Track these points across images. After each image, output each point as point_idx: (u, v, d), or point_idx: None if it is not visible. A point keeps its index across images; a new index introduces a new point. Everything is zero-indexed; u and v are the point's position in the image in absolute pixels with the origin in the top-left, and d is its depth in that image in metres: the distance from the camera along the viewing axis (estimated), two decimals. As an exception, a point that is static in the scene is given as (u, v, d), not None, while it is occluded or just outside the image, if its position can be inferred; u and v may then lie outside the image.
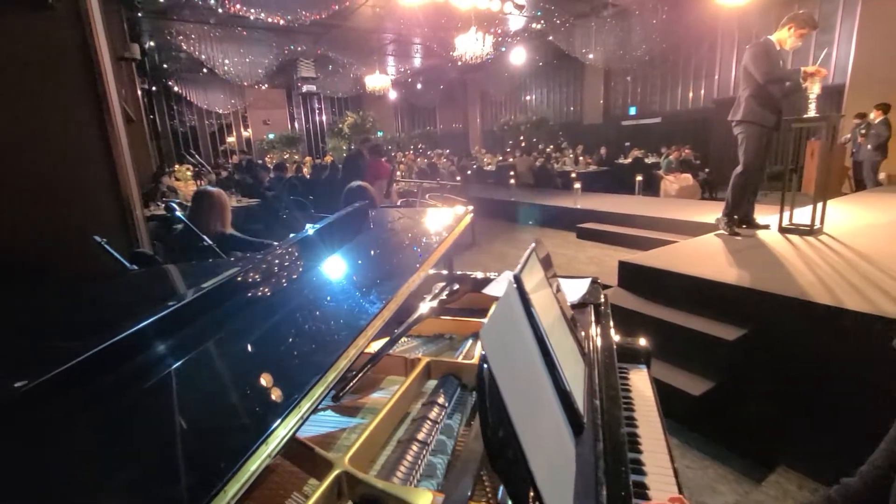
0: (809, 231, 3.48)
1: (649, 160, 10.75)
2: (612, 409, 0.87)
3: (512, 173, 10.27)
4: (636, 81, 13.53)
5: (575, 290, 1.37)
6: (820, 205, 3.51)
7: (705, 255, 3.12)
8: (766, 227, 3.73)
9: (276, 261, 1.08)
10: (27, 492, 0.48)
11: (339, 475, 0.69)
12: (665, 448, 1.00)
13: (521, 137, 14.38)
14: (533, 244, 0.97)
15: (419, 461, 0.77)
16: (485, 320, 1.28)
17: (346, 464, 0.70)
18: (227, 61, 12.02)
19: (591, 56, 11.78)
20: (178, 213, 2.01)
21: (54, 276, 2.26)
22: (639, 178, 8.20)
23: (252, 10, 8.82)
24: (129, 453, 0.54)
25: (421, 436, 0.83)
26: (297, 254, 1.15)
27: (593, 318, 1.24)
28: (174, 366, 0.66)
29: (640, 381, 1.25)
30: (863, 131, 7.19)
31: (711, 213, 4.88)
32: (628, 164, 10.86)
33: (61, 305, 1.19)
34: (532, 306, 0.73)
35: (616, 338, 1.35)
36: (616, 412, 0.88)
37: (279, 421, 0.57)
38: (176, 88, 15.11)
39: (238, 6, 8.64)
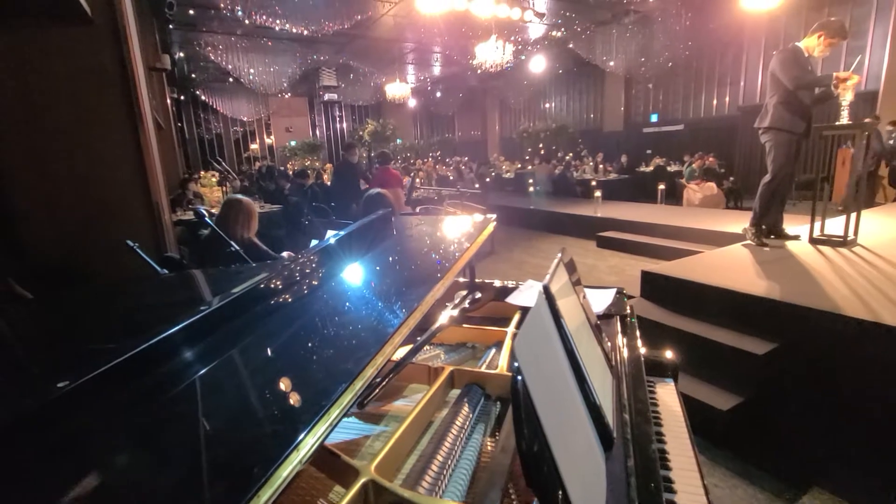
0: (843, 242, 3.36)
1: (671, 168, 10.58)
2: (641, 423, 0.86)
3: (531, 181, 10.23)
4: (658, 88, 13.35)
5: (600, 300, 1.35)
6: (854, 215, 3.39)
7: (732, 266, 3.04)
8: (797, 237, 3.62)
9: (303, 268, 1.10)
10: (62, 492, 0.49)
11: (366, 483, 0.69)
12: (695, 465, 0.97)
13: (541, 145, 14.33)
14: (559, 253, 0.96)
15: (444, 471, 0.77)
16: (509, 329, 1.28)
17: (373, 472, 0.70)
18: (252, 71, 12.34)
19: (611, 63, 11.68)
20: (208, 220, 2.06)
21: (90, 279, 2.33)
22: (661, 186, 8.06)
23: (277, 21, 9.05)
24: (165, 457, 0.55)
25: (446, 446, 0.82)
26: (322, 262, 1.17)
27: (619, 330, 1.22)
28: (207, 371, 0.68)
29: (667, 396, 1.22)
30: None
31: (737, 222, 4.77)
32: (650, 172, 10.70)
33: (97, 308, 1.23)
34: (562, 318, 0.73)
35: (642, 350, 1.33)
36: (646, 427, 0.85)
37: (309, 428, 0.57)
38: (203, 97, 15.57)
39: (264, 17, 8.88)
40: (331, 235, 1.37)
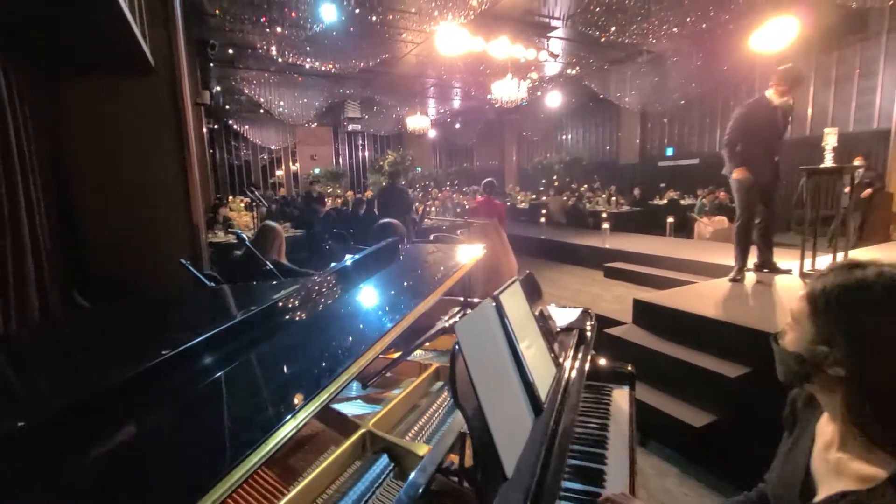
0: (830, 277, 3.51)
1: (685, 202, 10.74)
2: (572, 403, 1.11)
3: (543, 212, 10.53)
4: (673, 123, 13.62)
5: (566, 316, 1.62)
6: (841, 253, 3.57)
7: (720, 297, 3.25)
8: (788, 271, 3.79)
9: (324, 283, 1.40)
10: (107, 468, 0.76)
11: (364, 433, 0.97)
12: (627, 450, 1.22)
13: (555, 177, 14.67)
14: (521, 275, 1.24)
15: (424, 430, 1.04)
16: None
17: (370, 426, 0.98)
18: (282, 103, 13.14)
19: (626, 99, 12.07)
20: (247, 242, 2.41)
21: (140, 291, 2.69)
22: (670, 219, 8.26)
23: (308, 60, 9.77)
24: (228, 399, 0.84)
25: (427, 415, 1.09)
26: (338, 279, 1.47)
27: (576, 339, 1.48)
28: (255, 351, 0.97)
29: (620, 398, 1.47)
30: None
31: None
32: (663, 205, 10.88)
33: (157, 316, 1.56)
34: (506, 317, 1.00)
35: (602, 361, 1.58)
36: (571, 408, 1.11)
37: (327, 387, 0.85)
38: (235, 126, 16.52)
39: (296, 56, 9.60)
40: (347, 258, 1.68)
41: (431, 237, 6.52)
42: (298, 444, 1.02)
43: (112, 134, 3.15)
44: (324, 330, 1.11)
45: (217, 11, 7.52)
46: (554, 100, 13.00)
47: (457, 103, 16.16)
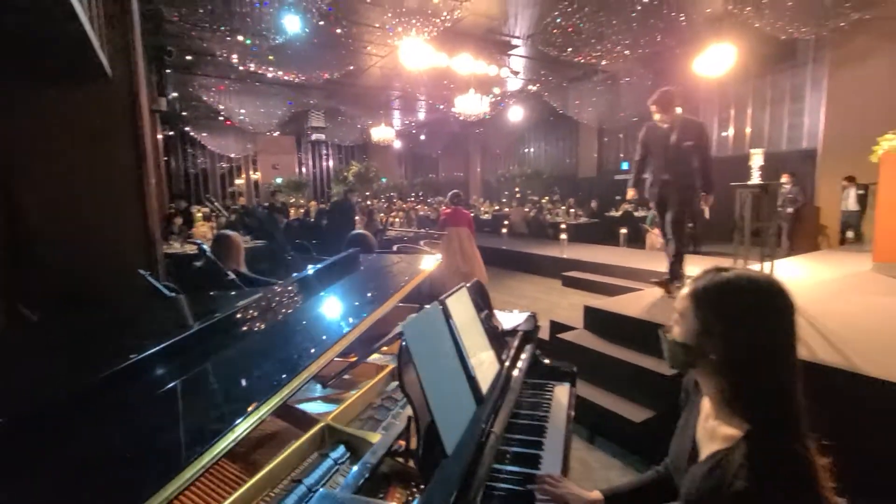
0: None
1: (639, 213, 11.31)
2: (509, 396, 1.25)
3: (506, 222, 10.83)
4: (628, 138, 14.32)
5: (513, 320, 1.76)
6: (769, 262, 3.94)
7: (660, 302, 3.51)
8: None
9: (284, 292, 1.48)
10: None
11: (323, 427, 1.06)
12: (563, 438, 1.36)
13: (517, 189, 15.10)
14: (466, 283, 1.37)
15: (378, 425, 1.14)
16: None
17: (329, 420, 1.07)
18: (242, 111, 12.87)
19: (584, 116, 12.66)
20: (209, 253, 2.43)
21: (93, 303, 2.64)
22: (623, 230, 8.70)
23: (270, 69, 9.70)
24: (200, 394, 0.91)
25: (383, 408, 1.19)
26: (299, 288, 1.55)
27: (520, 340, 1.62)
28: (218, 354, 1.04)
29: (560, 393, 1.62)
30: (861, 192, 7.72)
31: (690, 264, 5.26)
32: (618, 216, 11.41)
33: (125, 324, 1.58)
34: (451, 318, 1.12)
35: (546, 361, 1.73)
36: (511, 400, 1.24)
37: (283, 387, 0.94)
38: (192, 133, 16.01)
39: (259, 64, 9.51)
40: (309, 268, 1.76)
41: (395, 248, 6.59)
42: (261, 440, 1.09)
43: (66, 141, 3.08)
44: (283, 336, 1.19)
45: (176, 18, 7.38)
46: (516, 114, 13.44)
47: (422, 115, 16.37)
